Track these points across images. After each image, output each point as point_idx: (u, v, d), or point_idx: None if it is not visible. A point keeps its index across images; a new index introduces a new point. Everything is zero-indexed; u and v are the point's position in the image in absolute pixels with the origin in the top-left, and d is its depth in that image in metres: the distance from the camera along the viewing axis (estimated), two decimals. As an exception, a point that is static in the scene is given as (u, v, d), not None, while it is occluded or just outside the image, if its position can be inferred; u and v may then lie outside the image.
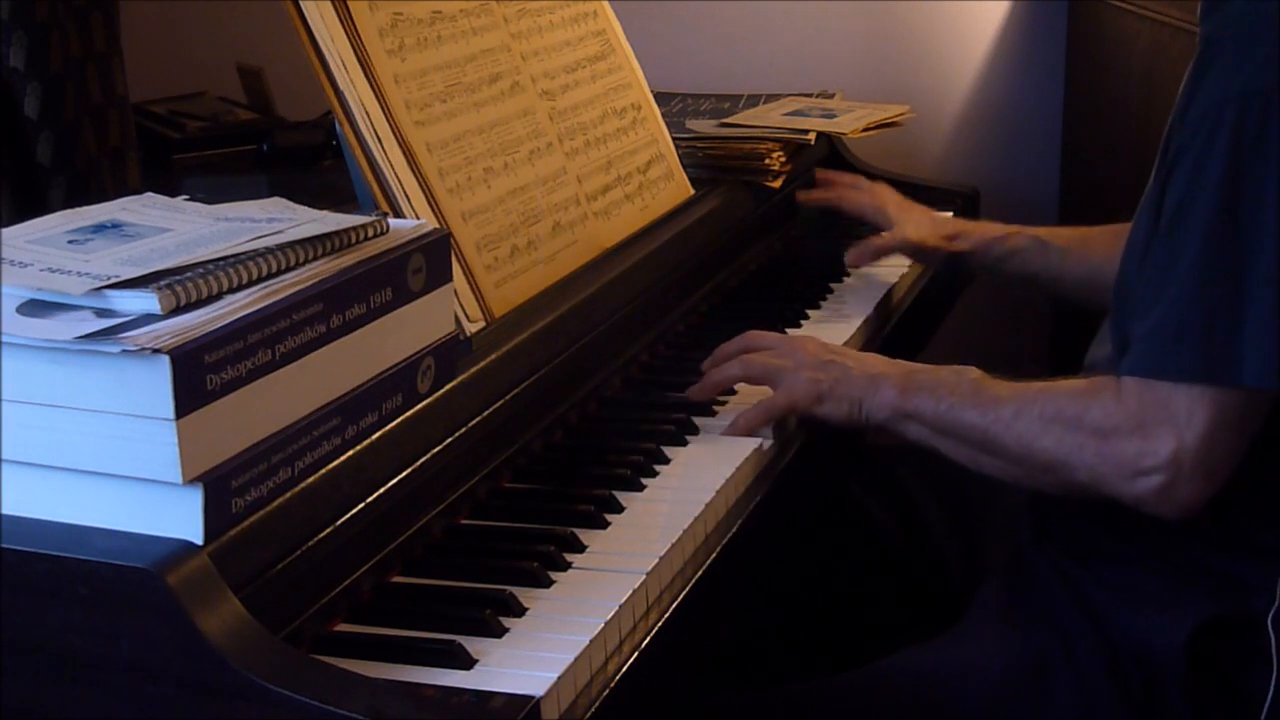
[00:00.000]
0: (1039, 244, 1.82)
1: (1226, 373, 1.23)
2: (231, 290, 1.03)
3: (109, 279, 1.00)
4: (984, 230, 1.90)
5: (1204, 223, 1.24)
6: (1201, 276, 1.24)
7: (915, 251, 1.96)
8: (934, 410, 1.40)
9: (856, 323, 1.81)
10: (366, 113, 1.38)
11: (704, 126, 2.08)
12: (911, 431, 1.43)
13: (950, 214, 2.29)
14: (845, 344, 1.74)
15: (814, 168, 2.24)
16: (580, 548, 1.23)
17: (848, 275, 2.02)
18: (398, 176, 1.39)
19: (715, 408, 1.54)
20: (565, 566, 1.20)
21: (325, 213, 1.17)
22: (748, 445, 1.43)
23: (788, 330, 1.79)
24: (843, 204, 2.02)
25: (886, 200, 1.99)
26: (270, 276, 1.06)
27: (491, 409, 1.31)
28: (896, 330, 1.92)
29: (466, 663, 1.04)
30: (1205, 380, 1.24)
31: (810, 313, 1.86)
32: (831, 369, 1.47)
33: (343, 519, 1.10)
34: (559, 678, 1.02)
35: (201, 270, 1.03)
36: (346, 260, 1.11)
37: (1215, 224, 1.24)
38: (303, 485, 1.05)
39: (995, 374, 1.41)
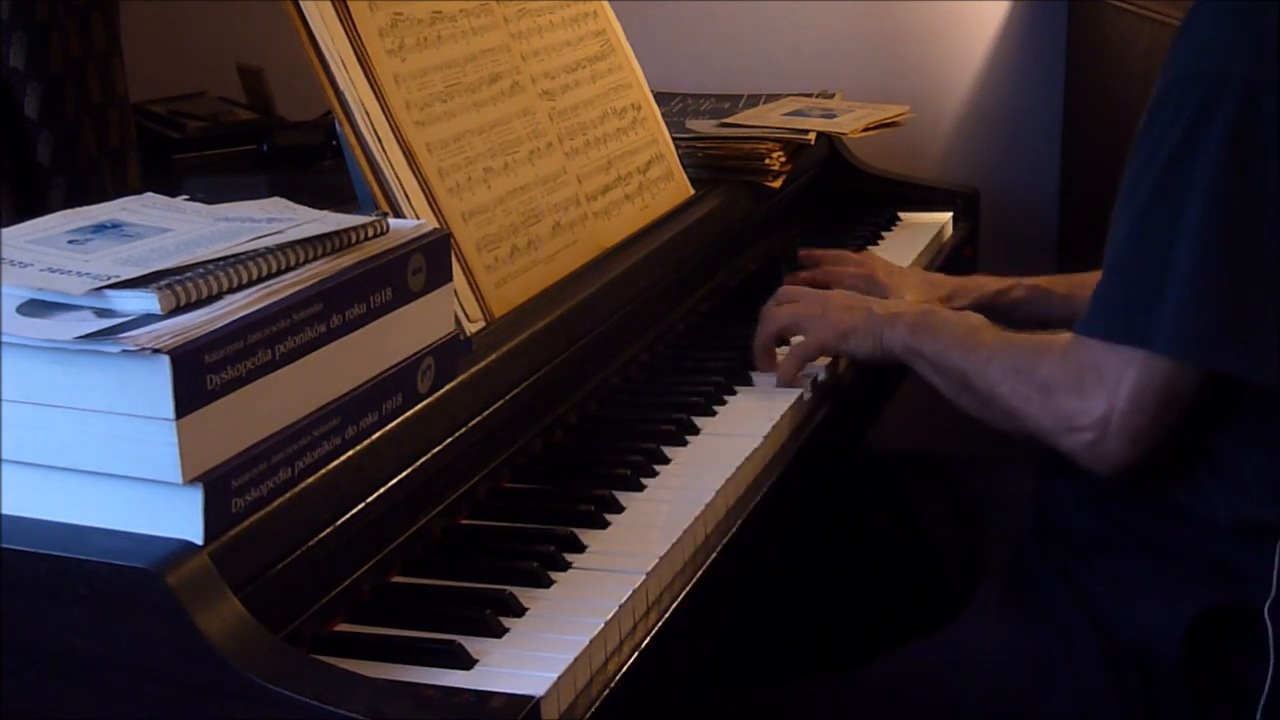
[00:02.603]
0: (1041, 294, 1.81)
1: (1143, 338, 1.29)
2: (231, 290, 1.03)
3: (109, 279, 1.00)
4: (981, 285, 1.86)
5: (1146, 193, 1.31)
6: (1135, 244, 1.31)
7: None
8: (932, 349, 1.51)
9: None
10: (366, 113, 1.38)
11: (704, 126, 2.08)
12: (918, 367, 1.53)
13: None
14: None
15: (813, 168, 2.24)
16: (580, 548, 1.23)
17: (848, 275, 2.02)
18: (398, 176, 1.39)
19: (715, 407, 1.54)
20: (565, 566, 1.20)
21: (325, 213, 1.17)
22: (747, 447, 1.44)
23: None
24: (830, 281, 1.92)
25: (876, 269, 1.92)
26: (270, 276, 1.06)
27: (491, 409, 1.31)
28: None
29: (466, 663, 1.04)
30: (1126, 342, 1.31)
31: (810, 313, 1.86)
32: (856, 309, 1.59)
33: (343, 519, 1.10)
34: (559, 678, 1.02)
35: (201, 270, 1.03)
36: (346, 260, 1.11)
37: (1154, 196, 1.30)
38: (303, 485, 1.05)
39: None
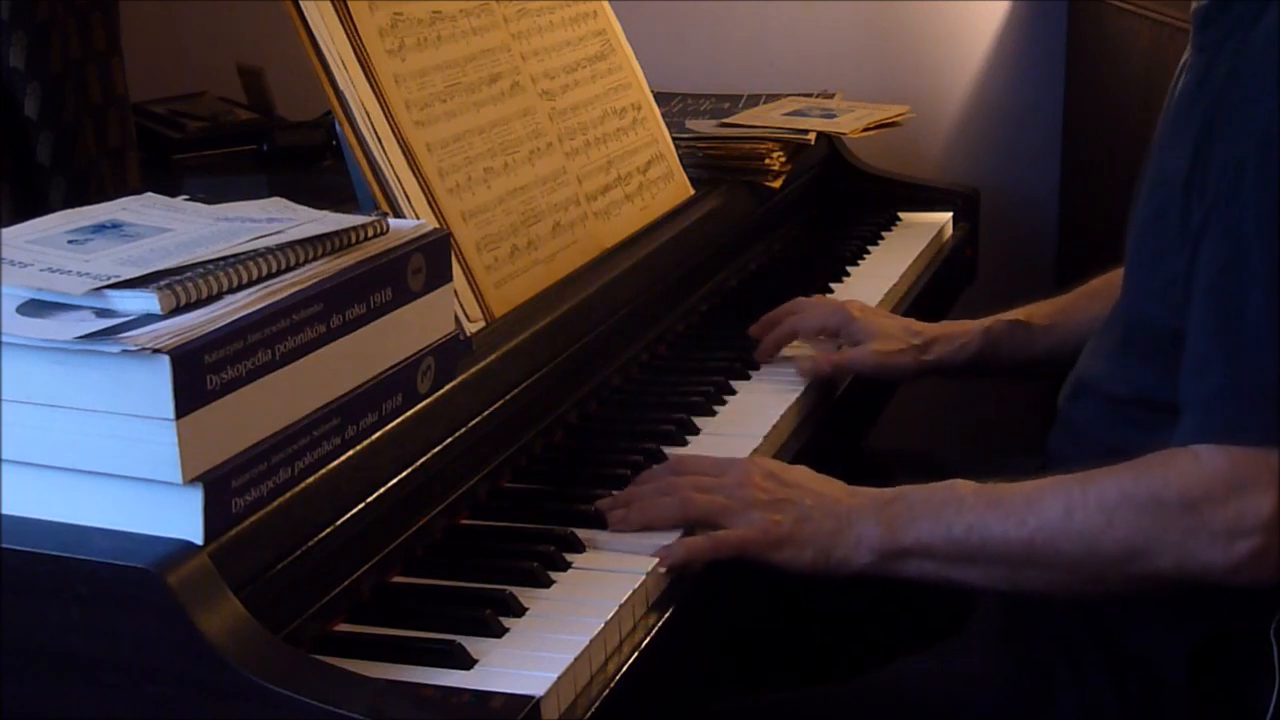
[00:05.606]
0: (1020, 329, 1.68)
1: None
2: (231, 290, 1.03)
3: (109, 279, 1.00)
4: (961, 330, 1.70)
5: (1277, 270, 1.16)
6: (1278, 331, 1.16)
7: (883, 372, 1.70)
8: (947, 537, 1.24)
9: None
10: (366, 113, 1.38)
11: (704, 126, 2.08)
12: (910, 569, 1.26)
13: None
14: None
15: (813, 168, 2.24)
16: (580, 548, 1.23)
17: (848, 275, 2.02)
18: (398, 176, 1.39)
19: (715, 407, 1.54)
20: (565, 566, 1.20)
21: (325, 213, 1.17)
22: (746, 446, 1.43)
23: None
24: (800, 333, 1.72)
25: (849, 306, 1.72)
26: (270, 276, 1.06)
27: (491, 409, 1.31)
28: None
29: (466, 663, 1.04)
30: None
31: (810, 313, 1.86)
32: (789, 508, 1.27)
33: (343, 519, 1.10)
34: (559, 678, 1.02)
35: (201, 270, 1.03)
36: (346, 260, 1.11)
37: None
38: (303, 485, 1.05)
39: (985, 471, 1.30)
